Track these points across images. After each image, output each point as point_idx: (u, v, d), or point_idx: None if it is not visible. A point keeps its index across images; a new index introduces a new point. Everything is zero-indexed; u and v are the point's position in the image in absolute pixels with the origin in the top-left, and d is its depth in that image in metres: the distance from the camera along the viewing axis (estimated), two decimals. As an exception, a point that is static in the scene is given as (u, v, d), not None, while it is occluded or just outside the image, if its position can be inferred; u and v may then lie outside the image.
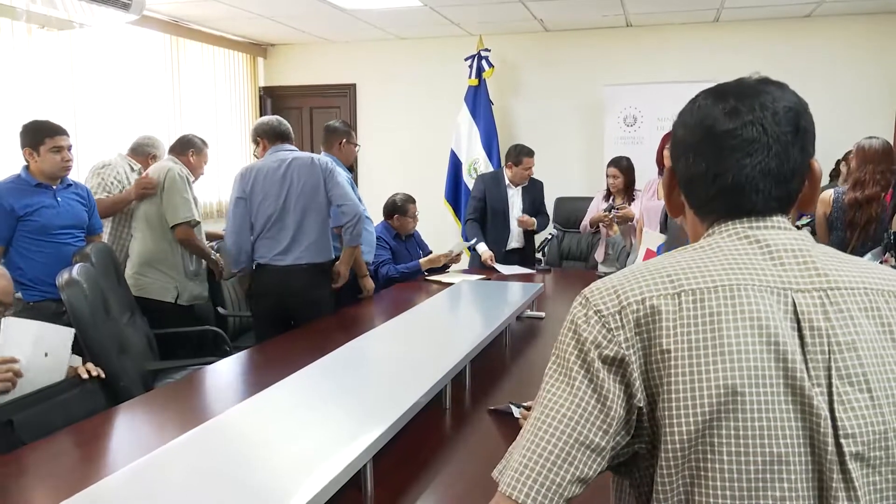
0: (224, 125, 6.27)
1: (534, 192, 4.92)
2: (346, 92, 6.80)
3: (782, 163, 0.90)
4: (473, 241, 4.68)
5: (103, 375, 2.39)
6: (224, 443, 1.64)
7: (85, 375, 2.32)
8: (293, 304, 3.49)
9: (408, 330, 2.78)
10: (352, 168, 4.05)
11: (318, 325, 3.34)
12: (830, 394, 0.82)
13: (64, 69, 4.74)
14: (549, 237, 4.87)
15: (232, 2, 5.02)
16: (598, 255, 4.77)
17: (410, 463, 1.76)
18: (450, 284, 3.89)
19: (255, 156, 3.69)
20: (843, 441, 0.81)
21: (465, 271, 4.57)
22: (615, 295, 0.88)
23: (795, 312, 0.84)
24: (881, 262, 2.80)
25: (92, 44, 4.95)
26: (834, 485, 0.81)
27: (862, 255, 3.17)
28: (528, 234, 4.92)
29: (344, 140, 3.95)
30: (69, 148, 3.36)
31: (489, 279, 4.16)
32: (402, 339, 2.66)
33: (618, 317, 0.86)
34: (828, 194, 3.68)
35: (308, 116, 6.97)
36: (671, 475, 0.84)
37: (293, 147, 3.61)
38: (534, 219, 4.83)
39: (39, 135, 3.27)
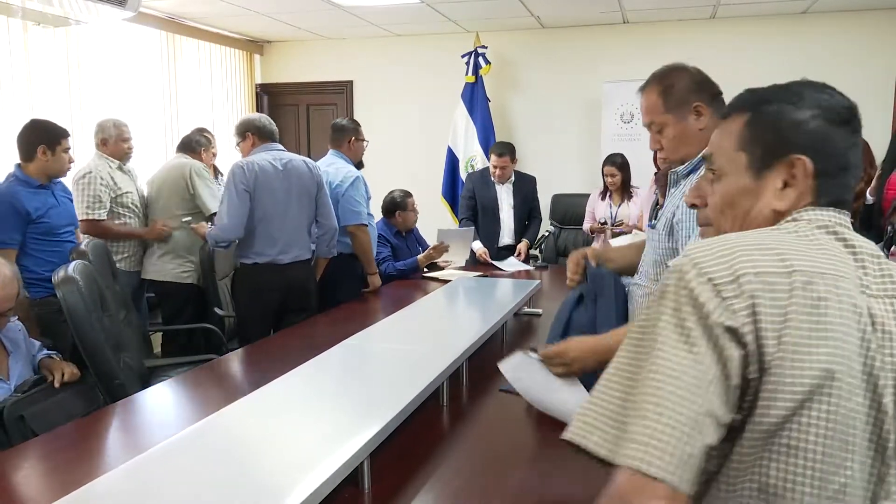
0: (220, 122, 6.26)
1: (525, 189, 4.92)
2: (343, 89, 6.79)
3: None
4: (471, 230, 4.68)
5: (76, 375, 2.41)
6: (221, 440, 1.64)
7: (57, 384, 2.33)
8: (294, 298, 3.56)
9: (405, 327, 2.78)
10: (361, 164, 4.05)
11: (316, 322, 3.34)
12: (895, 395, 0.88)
13: (60, 66, 4.73)
14: (546, 234, 4.88)
15: (228, -2, 5.01)
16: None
17: (408, 459, 1.76)
18: (447, 281, 3.90)
19: (237, 149, 3.71)
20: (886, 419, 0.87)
21: (462, 269, 4.58)
22: (726, 264, 0.86)
23: (871, 314, 0.88)
24: (889, 258, 2.82)
25: (88, 41, 4.93)
26: (890, 479, 0.87)
27: None
28: (521, 232, 4.92)
29: (353, 138, 3.98)
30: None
31: (486, 276, 4.16)
32: (400, 336, 2.66)
33: (733, 286, 0.84)
34: None
35: (305, 113, 6.96)
36: (754, 450, 0.85)
37: (282, 147, 3.65)
38: (526, 241, 4.84)
39: (56, 135, 3.42)
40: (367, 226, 3.86)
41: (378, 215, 4.39)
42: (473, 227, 4.70)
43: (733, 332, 0.83)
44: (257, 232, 3.46)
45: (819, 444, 0.84)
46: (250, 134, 3.60)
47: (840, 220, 0.97)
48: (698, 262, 0.87)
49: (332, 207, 3.72)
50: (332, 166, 3.89)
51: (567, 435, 0.88)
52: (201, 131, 4.55)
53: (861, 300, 0.88)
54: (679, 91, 1.93)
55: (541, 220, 5.05)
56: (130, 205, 3.97)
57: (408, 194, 4.46)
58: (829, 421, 0.83)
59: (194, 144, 4.33)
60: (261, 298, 3.54)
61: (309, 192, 3.57)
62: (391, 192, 4.46)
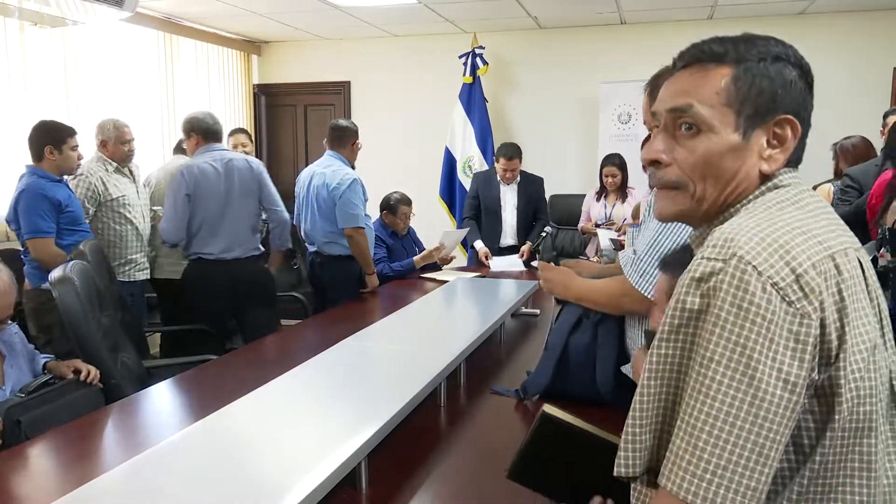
0: (218, 123, 6.25)
1: (530, 191, 4.90)
2: (341, 89, 6.79)
3: None
4: (467, 230, 4.72)
5: (97, 379, 2.40)
6: (218, 441, 1.64)
7: (70, 375, 2.32)
8: (247, 293, 3.67)
9: (403, 327, 2.79)
10: (353, 166, 4.07)
11: (314, 322, 3.34)
12: (884, 337, 0.89)
13: (57, 66, 4.72)
14: (544, 234, 4.88)
15: (226, -1, 5.01)
16: (590, 250, 4.81)
17: (406, 460, 1.76)
18: (445, 282, 3.89)
19: (182, 146, 3.82)
20: (893, 378, 0.89)
21: (460, 269, 4.58)
22: (782, 261, 0.79)
23: (862, 268, 0.88)
24: (879, 258, 2.83)
25: (85, 41, 4.93)
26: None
27: None
28: (524, 233, 4.92)
29: (356, 140, 4.01)
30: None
31: (484, 277, 4.16)
32: (398, 337, 2.66)
33: (795, 287, 0.78)
34: (827, 188, 3.75)
35: (302, 114, 6.96)
36: (843, 435, 0.83)
37: (223, 146, 3.78)
38: (530, 242, 4.83)
39: (62, 134, 3.51)
40: (364, 228, 3.87)
41: (375, 215, 4.39)
42: (468, 229, 4.72)
43: (803, 341, 0.78)
44: (202, 231, 3.59)
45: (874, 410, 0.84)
46: (195, 134, 3.70)
47: (797, 176, 0.96)
48: (757, 264, 0.79)
49: (279, 199, 3.85)
50: (329, 168, 3.89)
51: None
52: (240, 130, 4.72)
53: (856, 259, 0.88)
54: None
55: (546, 222, 5.02)
56: (124, 209, 3.90)
57: (405, 201, 4.42)
58: (876, 390, 0.84)
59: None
60: (208, 294, 3.62)
61: (251, 190, 3.69)
62: (392, 193, 4.46)
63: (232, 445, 1.63)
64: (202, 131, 3.69)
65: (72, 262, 2.75)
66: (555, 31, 6.19)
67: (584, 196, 5.36)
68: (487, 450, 1.89)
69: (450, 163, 6.22)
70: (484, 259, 4.67)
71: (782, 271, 0.78)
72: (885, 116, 4.35)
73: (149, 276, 4.08)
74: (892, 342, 0.90)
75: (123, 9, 3.93)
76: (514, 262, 4.62)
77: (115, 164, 3.92)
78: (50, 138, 3.47)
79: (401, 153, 6.58)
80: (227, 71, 6.47)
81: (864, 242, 3.27)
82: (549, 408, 1.14)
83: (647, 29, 5.91)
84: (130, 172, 4.04)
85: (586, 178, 6.06)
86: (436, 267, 4.46)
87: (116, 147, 3.90)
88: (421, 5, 5.22)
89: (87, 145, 3.86)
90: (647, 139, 1.38)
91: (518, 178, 4.86)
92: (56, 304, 2.56)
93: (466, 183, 6.01)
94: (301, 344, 2.93)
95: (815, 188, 4.74)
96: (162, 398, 2.29)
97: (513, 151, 4.79)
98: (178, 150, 4.41)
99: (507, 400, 2.18)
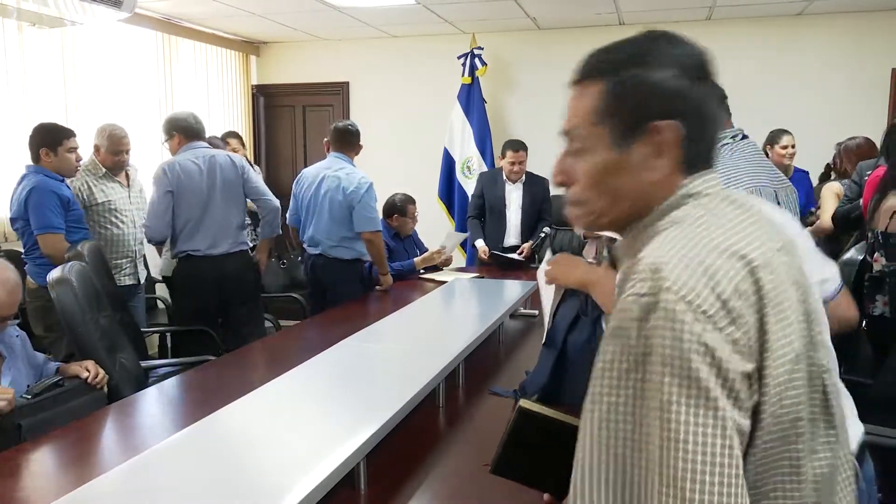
0: (217, 123, 6.24)
1: (535, 190, 4.90)
2: (339, 90, 6.78)
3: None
4: (467, 234, 4.72)
5: (105, 382, 2.39)
6: (218, 441, 1.64)
7: (84, 374, 2.32)
8: (233, 289, 3.71)
9: (402, 328, 2.79)
10: None
11: (313, 323, 3.34)
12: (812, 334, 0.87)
13: (55, 67, 4.72)
14: (542, 235, 4.88)
15: (224, -1, 5.01)
16: (589, 252, 4.78)
17: (404, 460, 1.76)
18: (444, 282, 3.89)
19: (164, 145, 3.85)
20: (823, 376, 0.87)
21: (459, 269, 4.58)
22: (707, 287, 0.77)
23: (788, 269, 0.86)
24: (873, 262, 2.80)
25: (84, 42, 4.92)
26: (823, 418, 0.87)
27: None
28: (528, 233, 4.91)
29: (359, 142, 4.03)
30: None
31: (483, 277, 4.16)
32: (397, 337, 2.66)
33: (723, 313, 0.76)
34: (836, 186, 3.78)
35: (301, 114, 6.95)
36: (770, 445, 0.80)
37: (206, 144, 3.80)
38: (528, 244, 4.84)
39: (58, 136, 3.53)
40: (381, 231, 3.90)
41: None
42: (468, 233, 4.74)
43: (747, 375, 0.76)
44: (187, 229, 3.63)
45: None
46: (176, 133, 3.74)
47: (717, 181, 0.92)
48: (679, 290, 0.76)
49: (266, 188, 3.93)
50: (342, 171, 3.85)
51: None
52: (214, 137, 4.74)
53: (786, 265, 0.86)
54: None
55: (550, 223, 5.01)
56: (110, 214, 3.89)
57: (410, 200, 4.44)
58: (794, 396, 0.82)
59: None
60: (197, 290, 3.66)
61: (234, 186, 3.73)
62: (394, 195, 4.46)
63: (231, 446, 1.63)
64: (183, 130, 3.73)
65: (70, 263, 2.75)
66: (553, 32, 6.19)
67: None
68: (486, 450, 1.88)
69: (448, 164, 6.22)
70: (483, 256, 4.70)
71: (709, 298, 0.76)
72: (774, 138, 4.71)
73: (137, 281, 4.03)
74: (823, 337, 0.88)
75: (122, 9, 3.93)
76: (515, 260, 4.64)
77: (103, 170, 3.90)
78: (45, 140, 3.49)
79: (399, 154, 6.58)
80: (226, 72, 6.47)
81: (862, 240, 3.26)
82: (525, 402, 1.16)
83: (646, 30, 5.90)
84: (127, 176, 4.03)
85: (585, 178, 6.06)
86: (435, 268, 4.46)
87: (107, 156, 3.89)
88: (419, 6, 5.22)
89: (84, 147, 3.86)
90: None
91: (523, 178, 4.87)
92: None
93: (465, 184, 6.01)
94: (300, 344, 2.93)
95: (821, 182, 4.76)
96: (160, 399, 2.29)
97: (518, 144, 4.82)
98: (228, 136, 4.82)
99: (505, 400, 2.18)
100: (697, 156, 0.91)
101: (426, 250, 4.60)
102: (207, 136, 4.61)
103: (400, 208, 4.39)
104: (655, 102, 0.89)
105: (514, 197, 4.88)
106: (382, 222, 4.39)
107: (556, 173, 1.00)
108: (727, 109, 1.94)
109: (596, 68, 0.93)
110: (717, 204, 0.88)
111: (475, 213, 4.95)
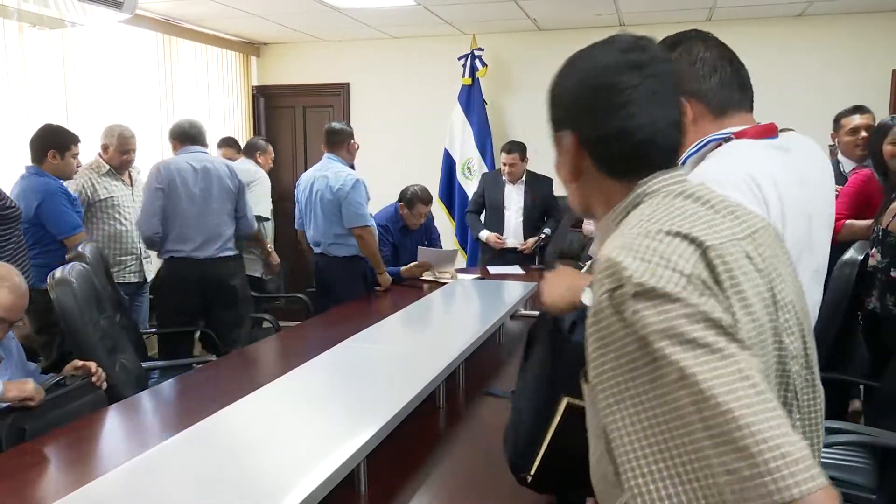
0: (217, 124, 6.24)
1: (537, 190, 4.91)
2: (340, 91, 6.79)
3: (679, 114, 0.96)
4: (456, 252, 4.61)
5: (102, 379, 2.38)
6: (218, 443, 1.64)
7: (86, 365, 2.32)
8: (215, 293, 3.73)
9: (402, 329, 2.79)
10: (352, 166, 4.09)
11: (313, 324, 3.34)
12: (777, 321, 0.88)
13: (56, 68, 4.72)
14: (543, 236, 4.87)
15: (225, 0, 5.01)
16: (593, 252, 4.78)
17: (404, 461, 1.76)
18: (445, 283, 3.90)
19: (228, 143, 4.18)
20: (790, 362, 0.89)
21: (460, 270, 4.57)
22: (664, 266, 0.80)
23: (749, 257, 0.87)
24: (870, 257, 2.81)
25: (84, 43, 4.92)
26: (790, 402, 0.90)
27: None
28: (531, 233, 4.91)
29: (351, 140, 4.03)
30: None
31: (484, 279, 4.16)
32: (397, 338, 2.66)
33: (690, 287, 0.78)
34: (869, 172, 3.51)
35: (301, 115, 6.96)
36: None
37: (203, 149, 3.87)
38: (532, 239, 4.83)
39: (68, 140, 3.63)
40: (371, 227, 3.88)
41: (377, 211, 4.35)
42: (456, 251, 4.63)
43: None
44: (175, 228, 3.67)
45: None
46: (172, 139, 3.90)
47: (679, 179, 0.93)
48: (648, 277, 0.79)
49: (251, 214, 3.99)
50: (329, 170, 3.90)
51: None
52: (258, 139, 5.27)
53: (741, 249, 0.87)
54: None
55: (558, 220, 5.01)
56: (113, 210, 3.95)
57: (421, 199, 4.24)
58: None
59: (255, 148, 5.02)
60: (177, 291, 3.71)
61: (229, 192, 3.79)
62: (413, 186, 4.30)
63: (231, 447, 1.63)
64: (177, 135, 3.86)
65: (71, 264, 2.75)
66: (554, 33, 6.19)
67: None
68: (486, 451, 1.88)
69: (449, 165, 6.22)
70: (496, 241, 4.78)
71: (672, 278, 0.79)
72: (839, 119, 4.21)
73: (143, 279, 4.09)
74: (790, 324, 0.90)
75: (122, 10, 3.93)
76: (514, 270, 4.60)
77: (108, 167, 3.98)
78: (56, 143, 3.56)
79: (399, 155, 6.58)
80: (226, 72, 6.47)
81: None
82: (569, 398, 1.12)
83: (646, 31, 5.73)
84: (130, 176, 4.10)
85: (585, 179, 6.07)
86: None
87: (115, 154, 3.98)
88: (420, 7, 5.22)
89: (84, 148, 3.87)
90: None
91: (524, 178, 4.87)
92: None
93: (465, 185, 6.02)
94: (300, 346, 2.93)
95: None
96: (161, 400, 2.29)
97: (512, 146, 4.86)
98: (246, 151, 5.05)
99: (505, 401, 2.18)
100: (618, 162, 0.94)
101: (439, 245, 4.58)
102: (226, 139, 5.03)
103: (408, 200, 4.26)
104: (556, 116, 1.00)
105: (513, 197, 4.89)
106: (395, 211, 4.35)
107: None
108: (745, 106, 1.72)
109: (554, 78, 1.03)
110: (672, 199, 0.90)
111: (473, 208, 5.05)
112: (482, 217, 5.06)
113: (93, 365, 2.37)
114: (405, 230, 4.36)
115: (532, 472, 1.16)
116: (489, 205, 4.95)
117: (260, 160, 4.95)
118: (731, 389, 0.73)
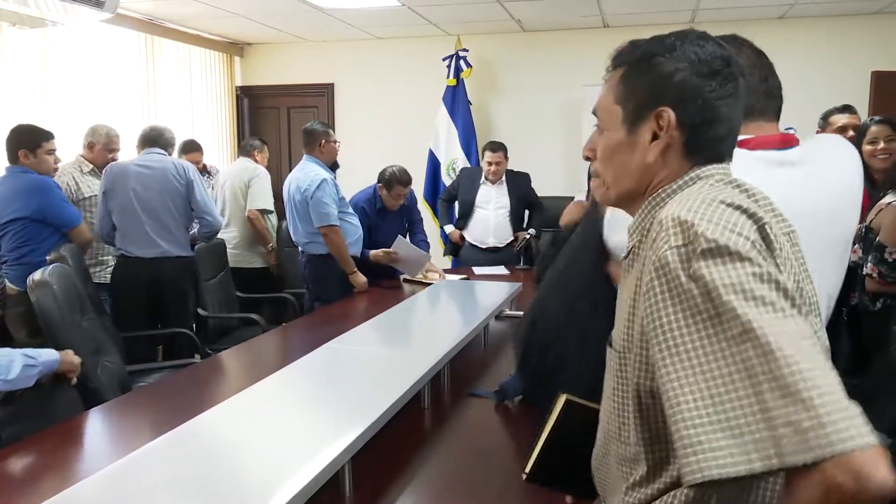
0: (200, 125, 6.21)
1: (519, 188, 4.92)
2: (324, 92, 6.77)
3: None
4: (429, 255, 4.39)
5: (77, 371, 2.36)
6: (201, 445, 1.63)
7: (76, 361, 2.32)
8: (164, 293, 3.79)
9: (387, 330, 2.78)
10: (336, 165, 4.08)
11: (297, 325, 3.32)
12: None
13: (37, 67, 4.67)
14: (527, 237, 4.88)
15: (208, 0, 4.98)
16: (614, 241, 4.80)
17: (389, 463, 1.76)
18: (429, 284, 3.90)
19: (247, 148, 4.32)
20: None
21: (446, 271, 4.56)
22: (731, 229, 0.84)
23: (792, 243, 0.97)
24: (852, 253, 2.84)
25: (65, 42, 4.88)
26: None
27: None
28: (515, 229, 4.90)
29: (323, 140, 4.00)
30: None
31: (468, 279, 4.16)
32: (381, 340, 2.66)
33: (755, 250, 0.83)
34: None
35: (286, 116, 6.93)
36: None
37: (163, 151, 3.95)
38: (522, 234, 4.83)
39: (38, 138, 3.57)
40: (338, 226, 3.86)
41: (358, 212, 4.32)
42: (429, 256, 4.32)
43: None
44: (122, 228, 3.78)
45: None
46: (137, 145, 4.01)
47: (728, 171, 0.99)
48: (718, 236, 0.83)
49: (212, 207, 4.05)
50: (301, 171, 3.95)
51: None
52: (255, 138, 5.37)
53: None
54: None
55: (542, 211, 5.02)
56: (96, 207, 3.93)
57: (399, 180, 4.16)
58: None
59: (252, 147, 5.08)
60: (127, 290, 3.79)
61: (178, 192, 3.85)
62: (393, 166, 4.22)
63: (214, 449, 1.61)
64: (140, 140, 3.97)
65: (51, 265, 2.72)
66: (538, 35, 6.21)
67: (569, 199, 5.37)
68: (471, 452, 1.88)
69: (434, 165, 6.23)
70: (458, 240, 4.88)
71: (739, 241, 0.83)
72: (827, 117, 4.18)
73: None
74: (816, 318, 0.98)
75: (104, 10, 3.89)
76: (499, 271, 4.60)
77: (91, 167, 4.00)
78: (24, 142, 3.51)
79: (384, 155, 6.53)
80: (210, 73, 6.43)
81: None
82: (568, 395, 1.13)
83: (630, 32, 5.84)
84: None
85: (570, 180, 6.08)
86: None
87: (101, 153, 3.99)
88: (404, 8, 5.21)
89: (65, 147, 3.84)
90: None
91: (503, 178, 4.87)
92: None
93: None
94: (284, 347, 2.92)
95: None
96: (143, 402, 2.27)
97: (496, 145, 4.86)
98: (243, 151, 5.10)
99: (491, 402, 2.18)
100: (699, 147, 0.98)
101: (421, 232, 4.55)
102: (190, 138, 4.80)
103: (387, 181, 4.18)
104: (660, 89, 0.98)
105: (492, 196, 4.89)
106: (373, 189, 4.31)
107: (585, 148, 1.11)
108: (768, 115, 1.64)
109: (622, 56, 1.04)
110: (723, 186, 0.95)
111: (447, 197, 5.15)
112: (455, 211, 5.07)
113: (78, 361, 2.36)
114: (383, 211, 4.29)
115: (527, 470, 1.17)
116: (460, 200, 4.95)
117: (258, 158, 5.02)
118: (795, 345, 0.76)
